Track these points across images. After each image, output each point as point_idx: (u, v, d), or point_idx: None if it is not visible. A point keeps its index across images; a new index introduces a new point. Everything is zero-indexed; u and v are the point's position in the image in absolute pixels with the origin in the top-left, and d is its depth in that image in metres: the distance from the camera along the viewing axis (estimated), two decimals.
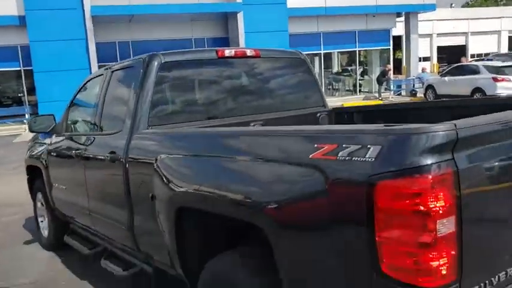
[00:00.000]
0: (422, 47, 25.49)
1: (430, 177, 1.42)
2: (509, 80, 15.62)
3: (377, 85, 22.05)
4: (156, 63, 3.17)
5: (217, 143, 2.39)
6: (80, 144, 3.86)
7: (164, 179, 2.61)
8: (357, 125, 1.85)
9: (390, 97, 21.65)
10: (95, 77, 4.14)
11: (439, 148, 1.45)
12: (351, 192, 1.59)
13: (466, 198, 1.48)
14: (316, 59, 22.45)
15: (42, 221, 5.24)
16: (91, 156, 3.62)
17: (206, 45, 20.22)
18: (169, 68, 3.26)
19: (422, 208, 1.43)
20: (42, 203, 5.16)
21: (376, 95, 21.83)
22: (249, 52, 3.63)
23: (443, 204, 1.43)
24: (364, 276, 1.55)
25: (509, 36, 48.03)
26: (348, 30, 22.11)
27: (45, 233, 5.14)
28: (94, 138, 3.69)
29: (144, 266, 3.24)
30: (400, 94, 22.76)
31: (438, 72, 28.07)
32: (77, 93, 4.35)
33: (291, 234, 1.84)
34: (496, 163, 1.65)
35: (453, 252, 1.46)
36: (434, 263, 1.43)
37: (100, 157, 3.45)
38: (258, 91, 3.75)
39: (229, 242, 2.55)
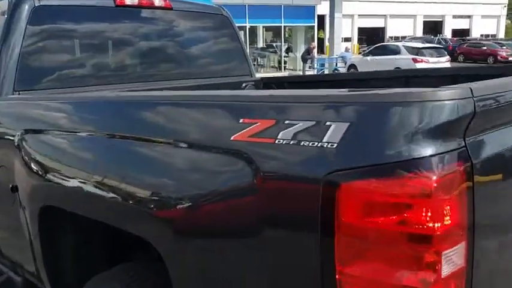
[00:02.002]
0: (344, 28, 25.70)
1: (431, 177, 0.84)
2: (428, 61, 16.05)
3: (301, 63, 21.87)
4: (27, 7, 2.34)
5: (96, 114, 1.67)
6: None
7: (28, 165, 1.86)
8: (305, 91, 1.20)
9: None
10: None
11: (444, 128, 0.87)
12: (297, 196, 0.97)
13: (483, 210, 0.92)
14: (242, 33, 21.74)
15: None
16: None
17: None
18: (47, 15, 2.45)
19: (415, 229, 0.84)
20: None
21: (300, 72, 21.68)
22: (157, 2, 2.87)
23: (449, 223, 0.85)
24: None
25: (424, 21, 50.47)
26: (273, 4, 21.57)
27: None
28: None
29: (11, 275, 2.47)
30: (323, 72, 22.83)
31: (359, 53, 28.65)
32: None
33: (195, 252, 1.20)
34: None
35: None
36: None
37: None
38: (167, 52, 3.01)
39: (120, 254, 1.88)
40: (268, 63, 24.00)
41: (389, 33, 48.70)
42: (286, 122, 1.01)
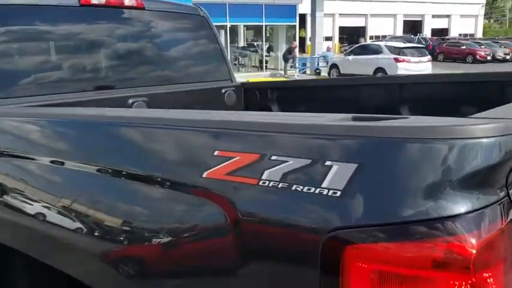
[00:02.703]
0: (325, 27, 25.69)
1: (469, 241, 0.62)
2: (409, 61, 16.04)
3: (283, 62, 21.71)
4: None
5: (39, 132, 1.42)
6: None
7: None
8: (298, 114, 0.97)
9: (296, 75, 21.45)
10: None
11: (483, 174, 0.65)
12: (286, 260, 0.75)
13: None
14: (222, 32, 21.48)
15: None
16: None
17: None
18: (4, 14, 2.17)
19: None
20: None
21: (282, 72, 21.52)
22: (128, 1, 2.62)
23: None
24: None
25: (404, 20, 50.91)
26: (254, 3, 21.34)
27: None
28: None
29: None
30: (304, 72, 22.71)
31: (340, 52, 28.65)
32: None
33: None
34: None
35: None
36: None
37: None
38: (140, 56, 2.76)
39: None
40: (249, 62, 23.78)
41: (370, 32, 49.02)
42: (273, 157, 0.78)
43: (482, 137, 0.66)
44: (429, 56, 17.36)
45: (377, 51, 17.47)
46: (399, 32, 49.11)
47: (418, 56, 16.54)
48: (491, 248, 0.65)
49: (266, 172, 0.79)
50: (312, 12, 22.98)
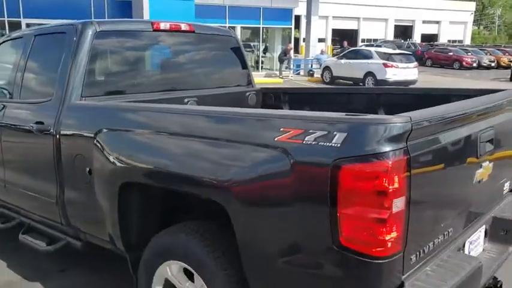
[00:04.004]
0: (318, 29, 26.66)
1: (389, 162, 1.64)
2: (397, 67, 17.12)
3: (278, 63, 22.67)
4: (90, 32, 3.04)
5: (182, 121, 2.38)
6: None
7: (107, 154, 2.57)
8: (321, 113, 1.97)
9: (290, 76, 22.42)
10: (8, 40, 3.82)
11: (396, 137, 1.67)
12: (316, 173, 1.75)
13: (414, 181, 1.73)
14: None
15: None
16: (9, 124, 3.38)
17: (106, 8, 19.20)
18: (104, 37, 3.15)
19: (380, 189, 1.64)
20: None
21: (277, 72, 22.47)
22: (183, 27, 3.61)
23: (397, 186, 1.66)
24: (324, 247, 1.74)
25: (395, 25, 52.05)
26: (253, 6, 22.31)
27: None
28: (12, 105, 3.43)
29: (70, 241, 3.16)
30: (298, 73, 23.68)
31: (333, 55, 29.62)
32: None
33: (254, 210, 1.96)
34: (441, 151, 1.94)
35: (401, 227, 1.71)
36: (387, 236, 1.67)
37: (22, 126, 3.24)
38: (191, 67, 3.77)
39: (171, 218, 2.62)
40: None
41: (362, 35, 50.04)
42: (310, 131, 1.79)
43: (397, 122, 1.66)
44: (416, 63, 18.42)
45: (367, 56, 18.48)
46: (390, 36, 50.23)
47: (406, 62, 17.60)
48: (398, 164, 1.64)
49: (306, 138, 1.78)
50: (307, 15, 23.92)
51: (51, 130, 2.94)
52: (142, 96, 3.28)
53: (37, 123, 3.05)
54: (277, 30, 24.89)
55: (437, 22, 55.39)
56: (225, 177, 2.00)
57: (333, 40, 47.85)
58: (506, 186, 2.76)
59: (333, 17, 47.40)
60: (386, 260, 1.69)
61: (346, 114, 1.81)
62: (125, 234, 2.61)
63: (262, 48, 24.57)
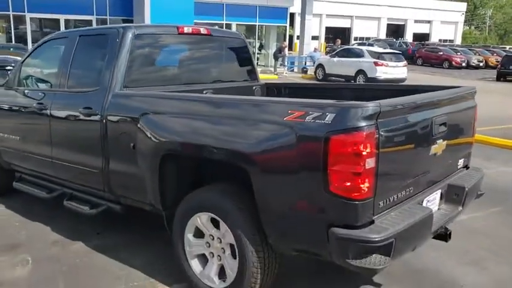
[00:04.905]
0: (312, 26, 27.42)
1: (363, 133, 2.38)
2: (387, 65, 17.93)
3: (273, 60, 23.41)
4: (130, 35, 3.75)
5: (214, 107, 3.08)
6: (42, 98, 4.25)
7: (151, 132, 3.27)
8: (318, 100, 2.71)
9: (284, 73, 23.16)
10: (54, 39, 4.52)
11: (369, 116, 2.41)
12: (313, 142, 2.49)
13: (382, 147, 2.48)
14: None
15: None
16: (59, 109, 4.08)
17: (108, 5, 19.78)
18: (141, 39, 3.86)
19: (357, 151, 2.39)
20: None
21: (272, 69, 23.20)
22: (202, 30, 4.34)
23: (369, 150, 2.40)
24: (319, 194, 2.48)
25: (387, 24, 52.93)
26: (249, 4, 23.02)
27: None
28: (61, 93, 4.13)
29: (110, 205, 3.87)
30: (292, 70, 24.45)
31: (326, 53, 30.40)
32: (33, 52, 4.67)
33: (269, 171, 2.69)
34: (402, 128, 2.69)
35: (372, 180, 2.45)
36: (362, 185, 2.41)
37: (72, 111, 3.95)
38: (207, 64, 4.51)
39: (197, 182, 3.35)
40: None
41: (355, 33, 50.87)
42: (310, 112, 2.53)
43: (370, 106, 2.40)
44: (405, 62, 19.24)
45: (359, 54, 19.26)
46: (383, 35, 51.10)
47: (396, 61, 18.42)
48: (370, 135, 2.36)
49: (307, 117, 2.51)
50: (301, 14, 24.64)
51: (99, 113, 3.65)
52: (168, 88, 4.00)
53: (85, 108, 3.76)
54: (272, 28, 25.62)
55: (429, 22, 56.36)
56: (249, 148, 2.73)
57: (326, 38, 48.59)
58: (460, 162, 3.53)
59: (327, 15, 48.12)
60: (361, 202, 2.44)
61: (335, 101, 2.56)
62: (162, 196, 3.33)
63: (257, 45, 25.30)
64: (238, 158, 2.81)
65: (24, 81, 4.68)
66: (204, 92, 4.21)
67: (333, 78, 20.09)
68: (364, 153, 2.40)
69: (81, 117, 3.82)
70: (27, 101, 4.47)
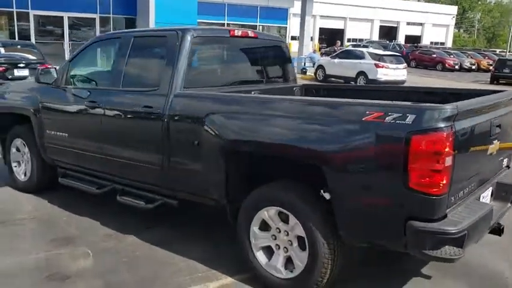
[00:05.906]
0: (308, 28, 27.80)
1: (444, 134, 2.58)
2: (388, 67, 18.22)
3: None
4: (189, 37, 3.90)
5: (287, 107, 3.24)
6: (93, 96, 4.38)
7: (219, 131, 3.41)
8: (396, 102, 2.91)
9: None
10: (105, 39, 4.66)
11: (447, 118, 2.61)
12: (395, 141, 2.68)
13: (457, 147, 2.68)
14: None
15: (16, 166, 5.53)
16: (114, 108, 4.21)
17: (111, 3, 19.80)
18: (198, 41, 4.01)
19: (438, 151, 2.58)
20: (17, 149, 5.45)
21: None
22: (250, 34, 4.51)
23: (448, 149, 2.60)
24: (398, 190, 2.68)
25: (380, 26, 53.44)
26: (251, 5, 23.22)
27: (21, 177, 5.46)
28: (116, 92, 4.26)
29: (167, 200, 4.02)
30: None
31: (321, 54, 30.64)
32: (81, 52, 4.79)
33: (348, 170, 2.87)
34: (476, 129, 2.89)
35: (449, 176, 2.66)
36: (440, 182, 2.61)
37: (131, 110, 4.08)
38: (254, 65, 4.69)
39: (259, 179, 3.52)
40: None
41: (348, 35, 51.25)
42: (389, 113, 2.72)
43: (448, 109, 2.61)
44: (405, 64, 19.57)
45: (360, 56, 19.51)
46: (375, 37, 51.56)
47: (396, 64, 18.71)
48: (449, 136, 2.57)
49: (387, 118, 2.70)
50: (301, 15, 24.86)
51: (160, 112, 3.80)
52: (220, 88, 4.15)
53: (145, 107, 3.91)
54: (272, 29, 25.84)
55: (421, 24, 57.00)
56: (325, 147, 2.92)
57: (319, 39, 48.89)
58: (505, 161, 3.76)
59: (320, 16, 48.37)
60: (439, 197, 2.64)
61: (412, 103, 2.75)
62: (228, 191, 3.50)
63: None
64: (312, 157, 2.98)
65: (72, 79, 4.79)
66: (252, 92, 4.38)
67: (333, 79, 20.31)
68: (443, 152, 2.59)
69: (140, 115, 3.97)
70: (76, 99, 4.60)
